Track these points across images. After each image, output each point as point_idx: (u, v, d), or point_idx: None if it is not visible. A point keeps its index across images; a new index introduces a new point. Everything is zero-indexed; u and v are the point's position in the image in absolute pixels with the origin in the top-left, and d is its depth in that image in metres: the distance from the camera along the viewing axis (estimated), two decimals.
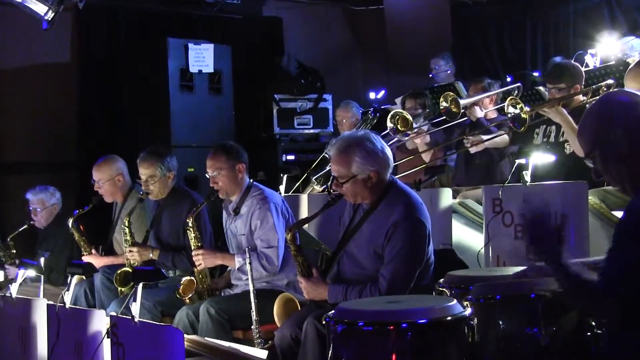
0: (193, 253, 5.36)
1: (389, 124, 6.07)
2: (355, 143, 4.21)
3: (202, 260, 5.32)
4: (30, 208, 7.16)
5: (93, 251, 6.33)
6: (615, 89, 5.17)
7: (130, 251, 5.77)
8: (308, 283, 4.33)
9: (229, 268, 5.51)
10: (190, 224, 5.36)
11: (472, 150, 6.25)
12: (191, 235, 5.38)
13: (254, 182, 5.40)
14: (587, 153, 2.96)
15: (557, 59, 7.13)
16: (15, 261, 7.10)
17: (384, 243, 4.13)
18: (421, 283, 4.18)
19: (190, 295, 5.30)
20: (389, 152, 4.30)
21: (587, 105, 5.38)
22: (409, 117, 6.13)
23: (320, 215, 4.75)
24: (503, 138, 5.98)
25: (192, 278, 5.36)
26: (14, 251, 7.26)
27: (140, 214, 6.15)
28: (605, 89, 5.40)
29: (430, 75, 8.74)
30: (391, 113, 6.13)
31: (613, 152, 2.86)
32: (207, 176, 5.35)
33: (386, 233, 4.12)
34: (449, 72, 8.72)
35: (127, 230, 5.85)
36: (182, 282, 5.30)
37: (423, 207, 4.26)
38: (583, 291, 2.76)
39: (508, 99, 5.35)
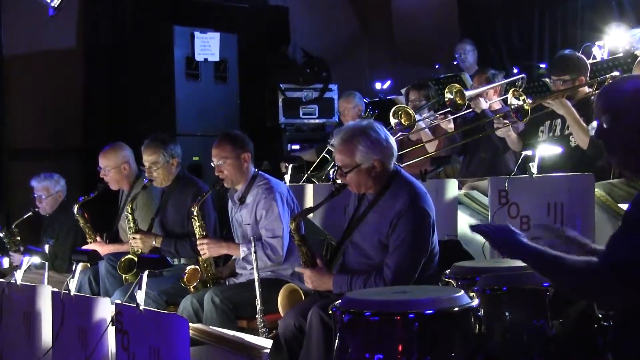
0: (197, 242, 5.36)
1: (393, 120, 6.06)
2: (359, 132, 4.22)
3: (207, 249, 5.32)
4: (35, 195, 7.17)
5: (98, 238, 6.33)
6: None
7: (133, 238, 5.78)
8: (313, 273, 4.33)
9: (233, 257, 5.51)
10: (195, 213, 5.36)
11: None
12: (196, 224, 5.38)
13: (260, 172, 5.39)
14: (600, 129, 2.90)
15: (567, 51, 7.09)
16: (20, 248, 7.11)
17: (389, 232, 4.13)
18: (426, 273, 4.19)
19: (195, 284, 5.29)
20: (392, 141, 4.31)
21: (592, 98, 5.38)
22: (411, 111, 6.11)
23: (325, 205, 4.75)
24: (513, 140, 5.95)
25: (197, 267, 5.35)
26: (19, 238, 7.28)
27: (146, 201, 6.16)
28: (610, 82, 5.38)
29: (460, 57, 8.69)
30: (393, 109, 6.11)
31: (625, 137, 2.82)
32: (213, 165, 5.34)
33: (391, 222, 4.13)
34: (476, 59, 8.72)
35: (130, 217, 5.86)
36: (186, 271, 5.30)
37: (427, 196, 4.27)
38: (572, 272, 2.75)
39: (511, 90, 5.34)
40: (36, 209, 7.22)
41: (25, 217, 7.28)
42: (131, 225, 5.87)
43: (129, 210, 5.86)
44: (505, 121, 5.92)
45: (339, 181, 4.38)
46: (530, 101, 5.29)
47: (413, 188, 4.23)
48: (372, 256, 4.24)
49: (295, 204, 5.32)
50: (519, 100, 5.21)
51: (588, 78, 5.54)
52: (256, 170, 5.39)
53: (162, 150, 5.88)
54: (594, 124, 2.92)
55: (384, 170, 4.24)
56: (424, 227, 4.15)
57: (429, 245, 4.19)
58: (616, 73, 5.62)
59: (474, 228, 3.04)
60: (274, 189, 5.21)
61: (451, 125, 6.58)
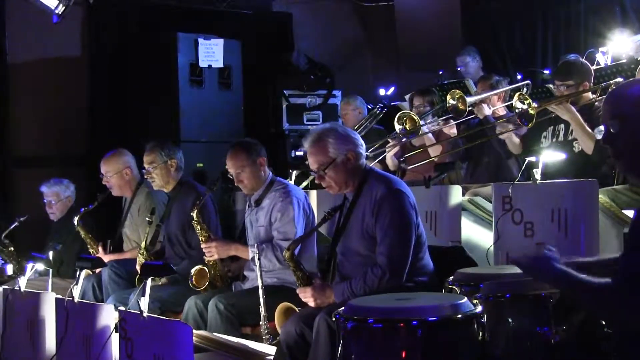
0: (203, 245, 5.36)
1: (397, 126, 6.07)
2: (326, 130, 4.40)
3: (214, 252, 5.33)
4: (45, 201, 7.15)
5: (100, 249, 6.33)
6: None
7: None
8: (313, 290, 4.33)
9: None
10: (195, 218, 5.36)
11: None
12: (197, 227, 5.38)
13: (277, 177, 5.41)
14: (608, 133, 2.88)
15: (572, 56, 7.09)
16: (17, 258, 7.04)
17: (373, 222, 4.21)
18: (417, 264, 4.26)
19: (205, 285, 5.30)
20: (358, 136, 4.47)
21: (597, 103, 5.38)
22: (416, 116, 6.13)
23: (321, 213, 4.76)
24: (514, 143, 5.95)
25: (203, 267, 5.36)
26: (12, 249, 7.07)
27: (148, 208, 6.15)
28: (614, 87, 5.38)
29: (461, 68, 8.70)
30: (398, 114, 6.13)
31: (633, 142, 2.81)
32: (230, 176, 5.33)
33: (372, 211, 4.22)
34: (480, 65, 8.71)
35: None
36: (193, 273, 5.30)
37: (404, 183, 4.40)
38: (593, 292, 2.73)
39: (516, 94, 5.35)
40: (21, 219, 7.16)
41: (11, 227, 7.14)
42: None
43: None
44: (510, 126, 5.92)
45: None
46: (536, 105, 5.29)
47: (387, 178, 4.37)
48: (364, 253, 4.29)
49: (311, 210, 5.32)
50: (524, 104, 5.21)
51: (592, 84, 5.54)
52: (273, 175, 5.40)
53: (159, 150, 5.91)
54: (601, 128, 2.89)
55: (358, 162, 4.36)
56: (405, 207, 4.22)
57: (414, 224, 4.24)
58: (619, 79, 5.64)
59: (512, 260, 3.07)
60: (291, 194, 5.22)
61: (454, 131, 6.58)
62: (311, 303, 4.32)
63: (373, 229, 4.22)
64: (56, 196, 7.13)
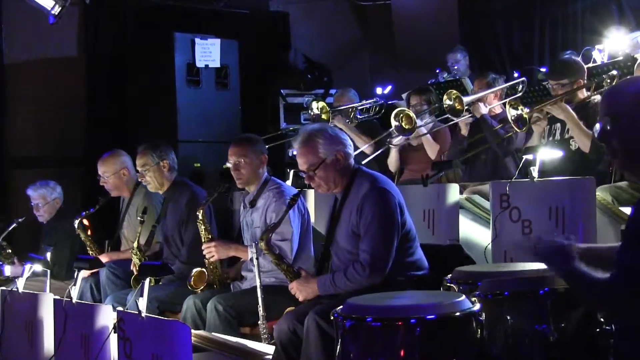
0: (204, 246, 5.35)
1: (394, 122, 6.07)
2: (316, 130, 4.43)
3: (214, 252, 5.32)
4: (32, 204, 7.13)
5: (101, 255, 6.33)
6: None
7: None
8: (298, 283, 4.40)
9: (241, 259, 5.50)
10: (200, 217, 5.34)
11: None
12: (201, 227, 5.36)
13: (272, 177, 5.41)
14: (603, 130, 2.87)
15: (566, 54, 7.08)
16: (14, 260, 7.04)
17: (358, 220, 4.24)
18: (407, 259, 4.29)
19: (202, 287, 5.29)
20: (347, 136, 4.51)
21: (591, 100, 5.40)
22: (412, 114, 6.13)
23: (325, 212, 4.76)
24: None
25: (203, 269, 5.35)
26: (10, 251, 7.16)
27: (148, 209, 6.14)
28: (608, 82, 5.44)
29: (453, 66, 8.70)
30: (395, 111, 6.13)
31: (627, 140, 2.80)
32: (228, 165, 5.33)
33: (357, 210, 4.25)
34: (468, 64, 8.74)
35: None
36: (192, 275, 5.29)
37: (389, 182, 4.42)
38: (593, 288, 2.73)
39: (507, 101, 5.39)
40: (19, 220, 7.16)
41: (10, 229, 7.17)
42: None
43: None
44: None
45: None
46: (528, 110, 5.35)
47: (373, 176, 4.39)
48: (354, 250, 4.30)
49: (306, 209, 5.32)
50: (517, 110, 5.28)
51: (585, 81, 5.55)
52: (269, 175, 5.41)
53: (151, 152, 5.91)
54: (597, 126, 2.87)
55: (347, 162, 4.39)
56: (388, 205, 4.23)
57: (398, 222, 4.24)
58: (614, 72, 5.64)
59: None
60: (285, 193, 5.22)
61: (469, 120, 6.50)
62: (298, 296, 4.39)
63: (358, 228, 4.25)
64: (43, 199, 7.10)
